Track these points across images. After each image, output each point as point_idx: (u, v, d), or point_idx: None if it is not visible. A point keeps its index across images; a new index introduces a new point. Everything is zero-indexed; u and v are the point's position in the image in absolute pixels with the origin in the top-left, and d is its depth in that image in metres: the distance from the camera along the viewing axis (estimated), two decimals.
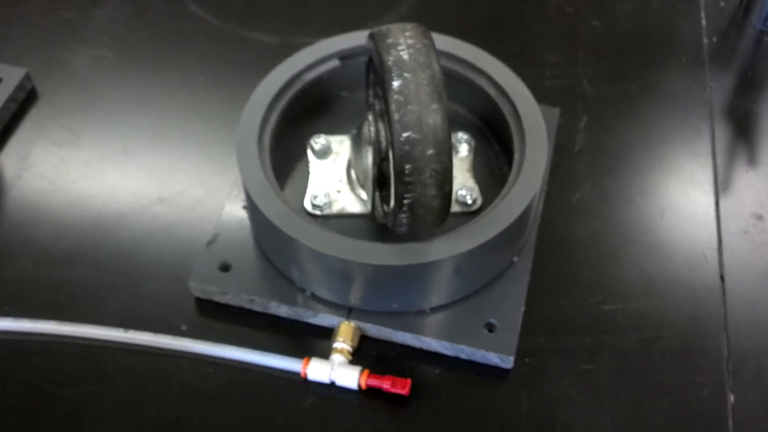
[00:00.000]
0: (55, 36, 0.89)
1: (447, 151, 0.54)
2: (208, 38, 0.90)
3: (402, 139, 0.53)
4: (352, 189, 0.70)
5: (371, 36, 0.58)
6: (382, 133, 0.59)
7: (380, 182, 0.63)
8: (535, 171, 0.65)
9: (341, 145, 0.73)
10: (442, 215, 0.57)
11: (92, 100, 0.83)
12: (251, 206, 0.65)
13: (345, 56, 0.74)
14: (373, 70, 0.61)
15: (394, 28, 0.56)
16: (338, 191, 0.70)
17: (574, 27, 0.89)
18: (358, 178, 0.70)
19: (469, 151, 0.73)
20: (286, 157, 0.72)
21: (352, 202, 0.69)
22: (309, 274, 0.65)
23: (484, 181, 0.71)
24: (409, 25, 0.57)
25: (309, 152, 0.73)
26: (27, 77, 0.82)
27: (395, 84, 0.53)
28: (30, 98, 0.83)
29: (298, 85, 0.72)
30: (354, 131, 0.70)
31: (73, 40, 0.89)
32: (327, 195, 0.70)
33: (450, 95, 0.66)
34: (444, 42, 0.73)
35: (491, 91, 0.71)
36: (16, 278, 0.70)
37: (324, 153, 0.72)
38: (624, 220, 0.73)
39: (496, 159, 0.73)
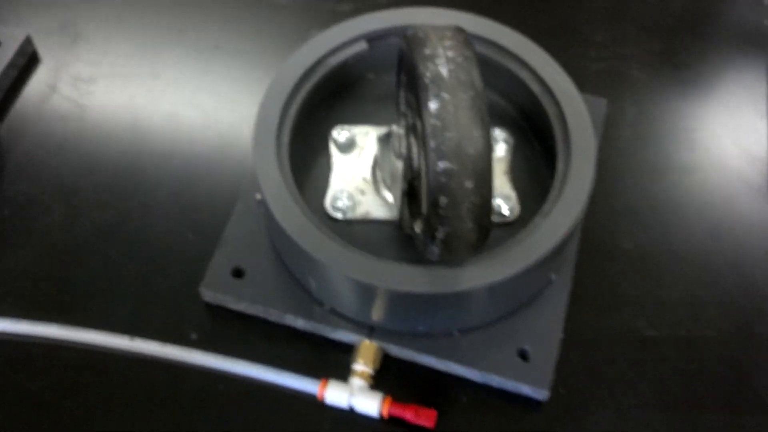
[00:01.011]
0: None
1: (488, 182, 0.48)
2: None
3: (438, 169, 0.47)
4: (378, 190, 0.64)
5: (406, 40, 0.51)
6: (415, 150, 0.53)
7: (410, 195, 0.57)
8: (581, 186, 0.59)
9: (366, 137, 0.67)
10: (478, 247, 0.51)
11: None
12: (267, 212, 0.59)
13: (373, 38, 0.67)
14: (405, 73, 0.55)
15: (432, 34, 0.49)
16: (362, 192, 0.64)
17: (624, 1, 0.81)
18: (384, 180, 0.64)
19: (507, 150, 0.66)
20: (305, 150, 0.66)
21: (377, 205, 0.64)
22: (328, 290, 0.60)
23: (523, 185, 0.65)
24: (448, 31, 0.50)
25: (331, 145, 0.66)
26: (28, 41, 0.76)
27: (432, 106, 0.47)
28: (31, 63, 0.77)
29: (320, 72, 0.65)
30: (382, 134, 0.64)
31: None
32: (350, 196, 0.64)
33: (486, 82, 0.60)
34: (481, 25, 0.66)
35: (534, 87, 0.64)
36: (20, 268, 0.65)
37: (348, 147, 0.66)
38: (673, 232, 0.67)
39: (537, 160, 0.66)
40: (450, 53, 0.48)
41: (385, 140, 0.62)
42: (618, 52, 0.77)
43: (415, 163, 0.53)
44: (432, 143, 0.47)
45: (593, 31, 0.78)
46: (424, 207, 0.50)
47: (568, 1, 0.81)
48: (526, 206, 0.63)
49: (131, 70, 0.77)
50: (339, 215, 0.63)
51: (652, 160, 0.71)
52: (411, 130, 0.54)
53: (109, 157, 0.72)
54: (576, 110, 0.62)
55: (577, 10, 0.81)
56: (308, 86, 0.64)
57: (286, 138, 0.62)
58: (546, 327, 0.60)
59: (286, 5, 0.82)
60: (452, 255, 0.52)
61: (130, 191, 0.70)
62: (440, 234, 0.49)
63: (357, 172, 0.65)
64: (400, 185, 0.56)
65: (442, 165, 0.47)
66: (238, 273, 0.63)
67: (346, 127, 0.67)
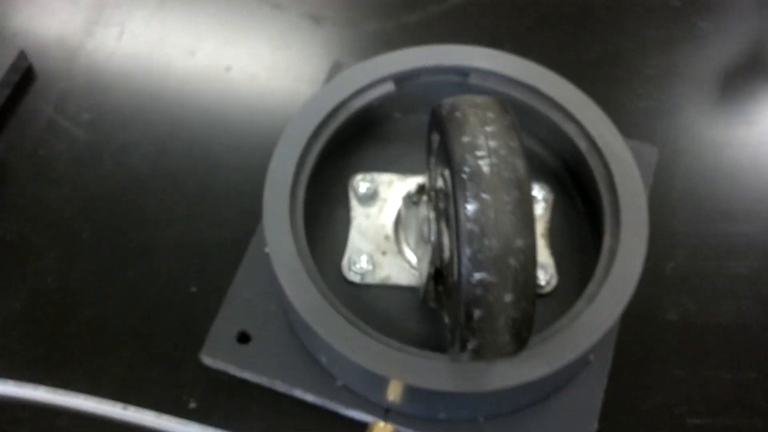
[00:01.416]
0: None
1: (531, 296, 0.41)
2: None
3: (473, 281, 0.41)
4: (400, 250, 0.58)
5: (439, 117, 0.44)
6: (446, 239, 0.46)
7: (437, 278, 0.51)
8: (631, 268, 0.52)
9: (390, 188, 0.60)
10: (514, 356, 0.45)
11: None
12: (278, 285, 0.53)
13: (401, 78, 0.60)
14: (438, 144, 0.48)
15: (472, 116, 0.43)
16: (383, 253, 0.58)
17: (679, 28, 0.73)
18: (407, 240, 0.58)
19: (546, 209, 0.59)
20: (323, 201, 0.60)
21: (399, 269, 0.57)
22: (340, 369, 0.54)
23: (562, 249, 0.58)
24: (491, 112, 0.43)
25: (351, 196, 0.60)
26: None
27: (470, 208, 0.40)
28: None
29: (342, 116, 0.58)
30: (406, 192, 0.57)
31: None
32: (370, 258, 0.57)
33: (527, 129, 0.54)
34: (522, 67, 0.59)
35: (581, 143, 0.57)
36: (6, 319, 0.60)
37: (369, 198, 0.60)
38: (724, 303, 0.61)
39: (579, 221, 0.60)
40: (493, 143, 0.41)
41: (408, 200, 0.56)
42: (671, 89, 0.70)
43: (446, 254, 0.46)
44: (468, 250, 0.40)
45: (643, 61, 0.71)
46: (454, 315, 0.44)
47: (616, 25, 0.73)
48: (564, 273, 0.57)
49: None
50: (357, 279, 0.57)
51: (706, 219, 0.64)
52: (442, 214, 0.47)
53: (111, 192, 0.66)
54: (628, 176, 0.55)
55: (626, 36, 0.73)
56: (327, 133, 0.58)
57: (301, 194, 0.56)
58: (581, 416, 0.54)
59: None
60: (483, 361, 0.46)
61: (131, 233, 0.64)
62: (472, 345, 0.43)
63: (378, 229, 0.59)
64: (426, 272, 0.50)
65: (478, 276, 0.40)
66: (243, 338, 0.57)
67: (368, 175, 0.60)
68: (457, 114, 0.43)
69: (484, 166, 0.41)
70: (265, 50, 0.73)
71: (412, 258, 0.57)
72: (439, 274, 0.50)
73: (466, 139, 0.42)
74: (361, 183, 0.60)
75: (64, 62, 0.71)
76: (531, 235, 0.41)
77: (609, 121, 0.57)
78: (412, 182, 0.60)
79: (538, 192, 0.60)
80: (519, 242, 0.40)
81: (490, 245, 0.40)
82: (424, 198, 0.56)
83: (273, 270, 0.53)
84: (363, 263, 0.57)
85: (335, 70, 0.66)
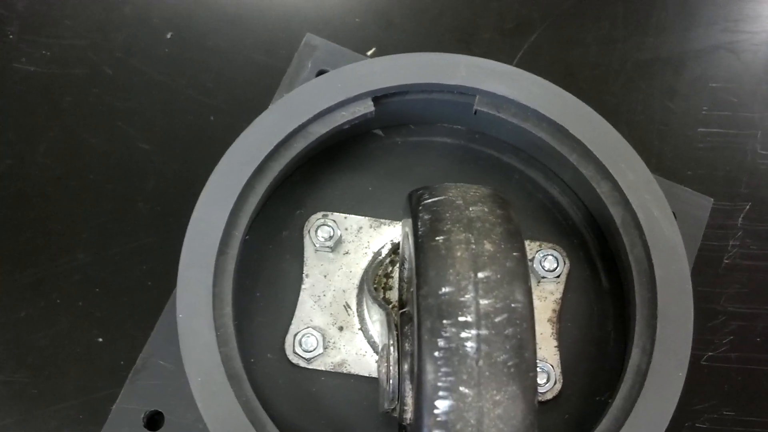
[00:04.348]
0: None
1: None
2: None
3: None
4: (363, 328, 0.44)
5: (413, 227, 0.30)
6: (409, 401, 0.32)
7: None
8: (662, 407, 0.39)
9: (358, 236, 0.46)
10: None
11: None
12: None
13: (382, 95, 0.45)
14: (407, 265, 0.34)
15: (461, 247, 0.28)
16: (340, 328, 0.44)
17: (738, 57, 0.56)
18: (371, 317, 0.44)
19: (558, 282, 0.45)
20: (267, 245, 0.46)
21: (358, 354, 0.44)
22: None
23: (571, 341, 0.45)
24: (489, 241, 0.28)
25: (306, 243, 0.46)
26: None
27: (440, 406, 0.26)
28: None
29: (298, 145, 0.43)
30: (369, 271, 0.43)
31: None
32: (321, 335, 0.44)
33: (540, 165, 0.40)
34: (545, 96, 0.43)
35: (615, 211, 0.43)
36: None
37: (329, 249, 0.45)
38: None
39: (599, 303, 0.46)
40: (486, 302, 0.27)
41: (373, 271, 0.42)
42: (734, 129, 0.54)
43: (408, 416, 0.33)
44: None
45: (702, 97, 0.54)
46: None
47: (685, 19, 0.57)
48: (571, 374, 0.44)
49: None
50: (302, 363, 0.44)
51: (761, 292, 0.50)
52: (406, 358, 0.33)
53: (5, 194, 0.51)
54: (674, 270, 0.41)
55: (688, 67, 0.56)
56: (277, 168, 0.43)
57: (234, 248, 0.42)
58: None
59: None
60: None
61: (26, 259, 0.50)
62: None
63: (337, 295, 0.45)
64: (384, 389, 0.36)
65: None
66: (153, 421, 0.44)
67: (330, 217, 0.46)
68: (439, 240, 0.28)
69: (469, 341, 0.27)
70: None
71: (376, 337, 0.44)
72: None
73: (446, 290, 0.27)
74: (320, 228, 0.45)
75: None
76: None
77: (656, 185, 0.42)
78: (387, 234, 0.46)
79: (551, 254, 0.45)
80: None
81: None
82: (396, 275, 0.42)
83: (183, 364, 0.40)
84: (312, 341, 0.44)
85: (307, 51, 0.50)
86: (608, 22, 0.56)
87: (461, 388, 0.26)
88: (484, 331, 0.27)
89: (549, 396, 0.43)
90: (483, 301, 0.27)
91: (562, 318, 0.45)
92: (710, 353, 0.49)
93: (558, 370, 0.44)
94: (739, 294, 0.49)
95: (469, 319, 0.27)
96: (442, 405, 0.26)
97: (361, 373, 0.44)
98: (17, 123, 0.53)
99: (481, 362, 0.26)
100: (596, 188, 0.43)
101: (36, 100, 0.53)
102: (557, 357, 0.44)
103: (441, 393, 0.26)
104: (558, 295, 0.45)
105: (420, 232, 0.29)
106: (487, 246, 0.28)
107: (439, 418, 0.26)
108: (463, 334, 0.27)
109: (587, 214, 0.47)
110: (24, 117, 0.53)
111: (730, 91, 0.54)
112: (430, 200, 0.30)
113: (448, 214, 0.29)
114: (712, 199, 0.48)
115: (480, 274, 0.27)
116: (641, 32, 0.56)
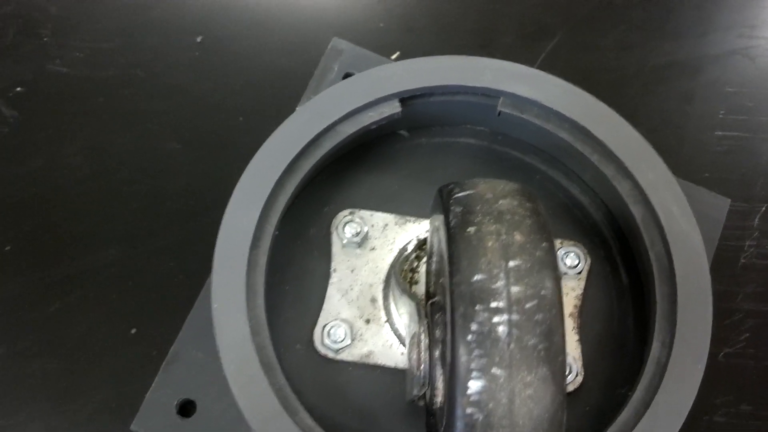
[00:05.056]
0: None
1: None
2: None
3: None
4: (389, 320, 0.46)
5: (445, 220, 0.31)
6: (439, 384, 0.34)
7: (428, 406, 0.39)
8: (682, 396, 0.40)
9: (384, 233, 0.47)
10: None
11: None
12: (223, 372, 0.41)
13: (408, 97, 0.46)
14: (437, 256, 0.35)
15: (492, 237, 0.29)
16: (367, 321, 0.46)
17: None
18: (399, 309, 0.45)
19: (579, 279, 0.46)
20: (295, 243, 0.47)
21: (384, 345, 0.45)
22: None
23: (593, 335, 0.46)
24: (519, 232, 0.30)
25: (333, 239, 0.47)
26: None
27: (473, 386, 0.28)
28: None
29: (327, 144, 0.45)
30: (397, 263, 0.44)
31: None
32: (349, 327, 0.45)
33: (561, 166, 0.41)
34: (568, 97, 0.45)
35: (636, 210, 0.44)
36: None
37: (356, 245, 0.47)
38: None
39: (620, 299, 0.47)
40: (517, 289, 0.28)
41: (398, 275, 0.43)
42: (748, 134, 0.55)
43: (438, 399, 0.34)
44: None
45: (720, 96, 0.56)
46: None
47: (701, 23, 0.58)
48: (592, 367, 0.45)
49: None
50: (330, 354, 0.45)
51: None
52: (437, 345, 0.34)
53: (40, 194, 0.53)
54: (693, 266, 0.42)
55: (709, 40, 0.57)
56: (307, 166, 0.45)
57: (267, 242, 0.43)
58: None
59: None
60: None
61: (59, 252, 0.51)
62: None
63: (364, 289, 0.46)
64: (415, 393, 0.38)
65: None
66: (185, 409, 0.45)
67: (357, 214, 0.47)
68: (470, 231, 0.30)
69: (501, 326, 0.28)
70: None
71: (404, 330, 0.45)
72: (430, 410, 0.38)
73: (478, 277, 0.29)
74: (348, 225, 0.47)
75: None
76: (558, 431, 0.28)
77: (676, 183, 0.43)
78: (412, 231, 0.47)
79: (573, 251, 0.46)
80: None
81: None
82: (422, 269, 0.44)
83: (218, 352, 0.41)
84: (340, 333, 0.45)
85: (333, 55, 0.52)
86: (625, 27, 0.57)
87: (493, 370, 0.28)
88: (515, 317, 0.28)
89: (570, 388, 0.44)
90: (514, 288, 0.28)
91: (584, 313, 0.46)
92: (727, 350, 0.50)
93: (579, 363, 0.45)
94: (755, 293, 0.50)
95: (500, 304, 0.28)
96: (474, 386, 0.28)
97: (387, 364, 0.45)
98: (50, 123, 0.54)
99: (512, 345, 0.28)
100: (617, 187, 0.44)
101: (68, 100, 0.55)
102: (578, 351, 0.45)
103: (474, 374, 0.28)
104: (579, 291, 0.46)
105: (452, 224, 0.30)
106: (517, 237, 0.29)
107: (472, 398, 0.28)
108: (495, 319, 0.28)
109: (607, 213, 0.48)
110: (56, 117, 0.54)
111: (746, 96, 0.55)
112: (461, 194, 0.32)
113: (478, 207, 0.30)
114: (729, 200, 0.49)
115: (511, 263, 0.29)
116: (658, 37, 0.57)
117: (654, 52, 0.56)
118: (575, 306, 0.46)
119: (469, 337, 0.28)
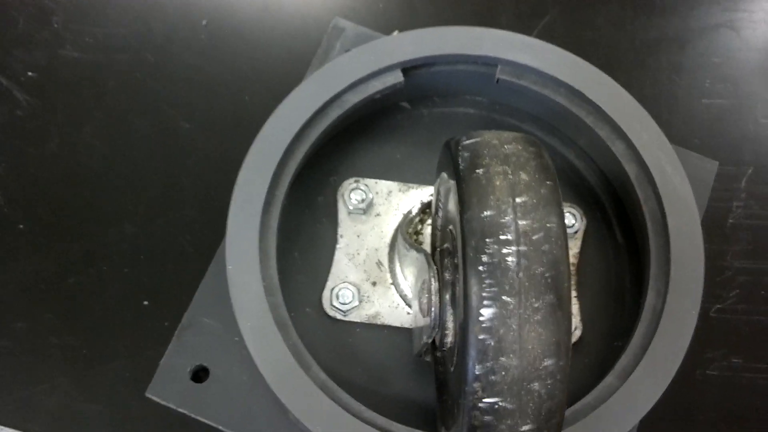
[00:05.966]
0: None
1: (557, 426, 0.31)
2: None
3: (482, 406, 0.30)
4: (395, 282, 0.48)
5: (454, 165, 0.33)
6: (450, 324, 0.36)
7: (434, 350, 0.41)
8: (677, 342, 0.42)
9: (388, 200, 0.49)
10: None
11: None
12: (239, 330, 0.43)
13: (410, 67, 0.48)
14: (447, 195, 0.37)
15: (500, 177, 0.31)
16: (373, 283, 0.48)
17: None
18: (403, 271, 0.47)
19: (576, 238, 0.49)
20: (304, 210, 0.49)
21: (391, 306, 0.47)
22: None
23: (591, 291, 0.48)
24: (525, 172, 0.32)
25: (340, 206, 0.49)
26: None
27: (485, 314, 0.30)
28: None
29: (333, 113, 0.47)
30: (403, 224, 0.46)
31: None
32: (356, 289, 0.47)
33: (563, 138, 0.43)
34: (564, 64, 0.47)
35: (630, 168, 0.46)
36: None
37: (362, 212, 0.49)
38: None
39: (616, 257, 0.49)
40: (524, 222, 0.30)
41: (404, 235, 0.45)
42: (739, 86, 0.57)
43: (449, 339, 0.36)
44: (477, 369, 0.30)
45: (711, 50, 0.58)
46: (451, 413, 0.34)
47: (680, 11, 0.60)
48: (591, 321, 0.47)
49: None
50: (339, 315, 0.47)
51: (765, 252, 0.53)
52: (447, 287, 0.36)
53: (56, 176, 0.55)
54: (685, 220, 0.44)
55: (692, 19, 0.60)
56: (314, 135, 0.47)
57: (277, 208, 0.45)
58: None
59: None
60: None
61: (76, 229, 0.53)
62: None
63: (370, 253, 0.48)
64: (421, 329, 0.40)
65: (489, 400, 0.30)
66: (199, 375, 0.47)
67: (362, 182, 0.49)
68: (479, 172, 0.32)
69: (510, 257, 0.30)
70: None
71: (408, 291, 0.47)
72: (438, 356, 0.40)
73: (488, 213, 0.31)
74: (353, 192, 0.49)
75: None
76: (565, 354, 0.30)
77: (668, 143, 0.46)
78: (415, 197, 0.49)
79: (569, 214, 0.48)
80: (548, 363, 0.30)
81: (508, 365, 0.30)
82: (426, 231, 0.46)
83: (233, 311, 0.43)
84: (348, 296, 0.47)
85: (335, 33, 0.54)
86: (617, 4, 0.60)
87: (504, 297, 0.30)
88: (523, 247, 0.30)
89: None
90: (521, 222, 0.30)
91: (581, 271, 0.48)
92: (719, 305, 0.52)
93: (578, 318, 0.47)
94: (744, 251, 0.53)
95: (509, 237, 0.30)
96: (486, 312, 0.30)
97: (393, 324, 0.47)
98: (65, 106, 0.56)
99: (521, 274, 0.30)
100: (611, 147, 0.46)
101: (82, 84, 0.57)
102: (576, 306, 0.47)
103: (486, 302, 0.30)
104: (576, 249, 0.48)
105: (461, 167, 0.32)
106: (523, 176, 0.31)
107: (484, 324, 0.30)
108: (505, 250, 0.30)
109: (602, 177, 0.50)
110: (71, 100, 0.56)
111: (732, 65, 0.57)
112: (468, 141, 0.34)
113: (485, 151, 0.33)
114: (717, 162, 0.51)
115: (518, 200, 0.31)
116: (648, 13, 0.59)
117: (644, 27, 0.59)
118: (573, 264, 0.48)
119: (481, 267, 0.30)
